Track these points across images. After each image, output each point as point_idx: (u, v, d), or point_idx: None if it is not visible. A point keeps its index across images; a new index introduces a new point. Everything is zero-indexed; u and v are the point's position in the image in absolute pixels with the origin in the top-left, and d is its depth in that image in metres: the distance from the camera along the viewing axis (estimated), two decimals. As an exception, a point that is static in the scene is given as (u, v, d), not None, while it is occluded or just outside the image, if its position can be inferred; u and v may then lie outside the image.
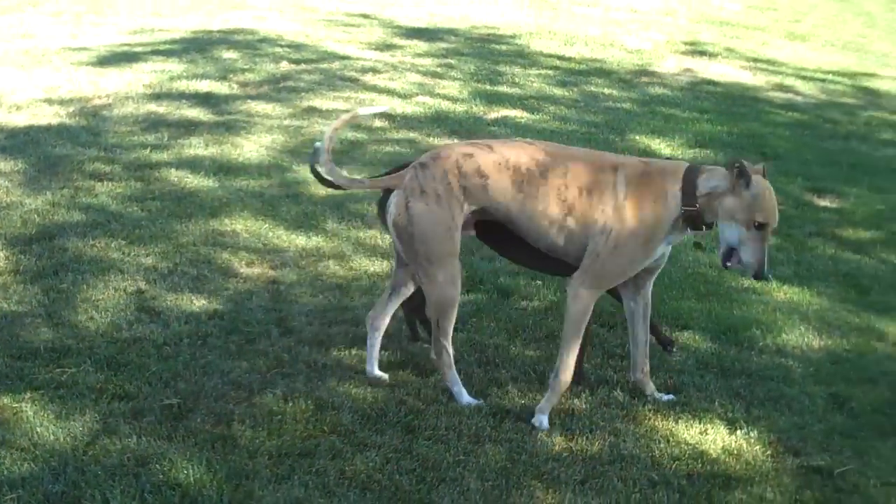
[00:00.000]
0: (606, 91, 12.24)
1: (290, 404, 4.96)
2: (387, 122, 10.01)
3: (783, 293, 6.78)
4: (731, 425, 5.11)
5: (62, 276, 6.25)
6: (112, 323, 5.72)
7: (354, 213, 7.60)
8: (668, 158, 5.45)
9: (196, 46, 12.78)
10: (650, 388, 5.40)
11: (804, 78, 14.06)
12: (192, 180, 8.03)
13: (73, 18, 14.45)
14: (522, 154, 5.10)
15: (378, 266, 6.71)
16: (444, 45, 13.99)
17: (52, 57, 11.95)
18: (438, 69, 12.53)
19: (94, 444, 4.56)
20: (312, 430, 4.78)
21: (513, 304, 6.33)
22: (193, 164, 8.40)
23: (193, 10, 15.39)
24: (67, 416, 4.78)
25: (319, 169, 5.33)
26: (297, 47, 13.09)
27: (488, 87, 11.87)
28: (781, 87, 13.42)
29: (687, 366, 5.70)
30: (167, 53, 12.32)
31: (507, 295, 6.44)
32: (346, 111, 10.09)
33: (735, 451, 4.89)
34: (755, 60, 14.76)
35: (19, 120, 9.48)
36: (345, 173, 5.37)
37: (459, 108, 10.81)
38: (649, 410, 5.19)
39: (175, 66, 11.71)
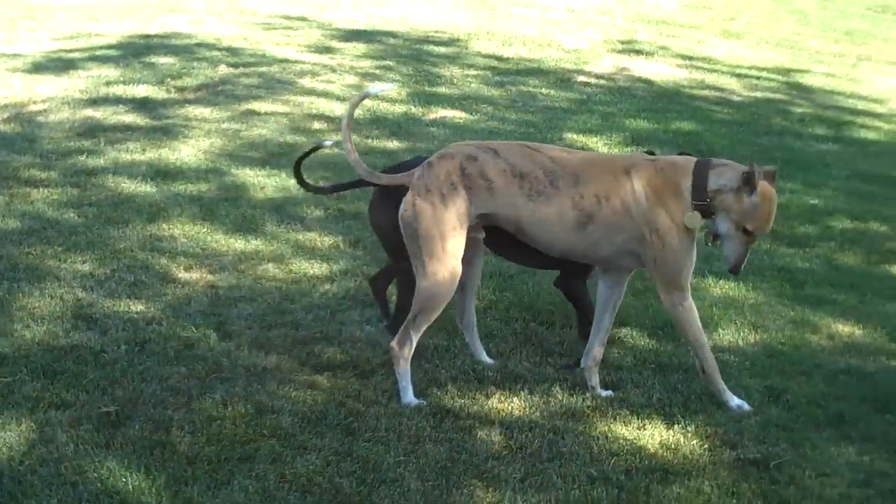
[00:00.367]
0: (544, 91, 12.30)
1: (230, 409, 4.95)
2: (325, 125, 10.00)
3: (719, 289, 6.86)
4: (669, 420, 5.15)
5: (-3, 284, 6.21)
6: (49, 331, 5.67)
7: (294, 215, 7.59)
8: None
9: (133, 51, 12.70)
10: (595, 379, 5.46)
11: (739, 75, 14.21)
12: (130, 186, 7.98)
13: (7, 24, 14.31)
14: (528, 161, 5.15)
15: (318, 269, 6.71)
16: (382, 46, 14.00)
17: (-15, 63, 11.84)
18: (377, 71, 12.53)
19: (30, 453, 4.53)
20: (252, 434, 4.76)
21: (452, 304, 6.34)
22: (130, 170, 8.35)
23: (130, 14, 15.28)
24: (3, 425, 4.73)
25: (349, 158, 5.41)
26: (234, 51, 13.04)
27: (426, 88, 11.90)
28: (717, 85, 13.55)
29: (625, 362, 5.75)
30: (103, 58, 12.24)
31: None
32: (285, 115, 10.16)
33: (673, 446, 4.93)
34: (691, 58, 14.89)
35: (-48, 127, 9.38)
36: (365, 166, 5.44)
37: (398, 109, 10.83)
38: (588, 407, 5.23)
39: (111, 71, 11.64)
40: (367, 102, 10.89)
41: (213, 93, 11.02)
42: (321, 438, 4.78)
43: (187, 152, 8.91)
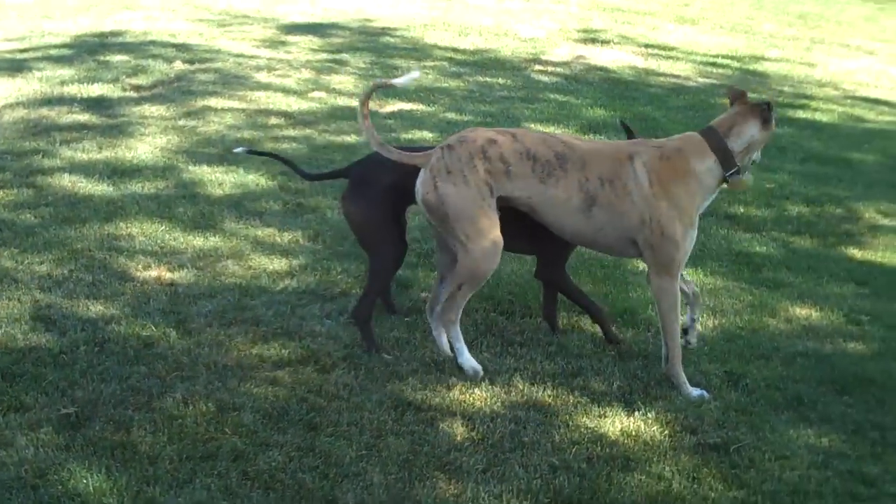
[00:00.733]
0: (501, 81, 12.32)
1: (191, 407, 4.94)
2: (282, 119, 9.97)
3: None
4: (630, 407, 5.19)
5: (-46, 287, 6.16)
6: (6, 333, 5.62)
7: (252, 211, 7.57)
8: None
9: (87, 49, 12.60)
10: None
11: (694, 61, 14.29)
12: (86, 185, 7.92)
13: (-42, 24, 14.18)
14: (542, 145, 5.33)
15: (277, 264, 6.70)
16: (338, 39, 13.97)
17: (-63, 64, 11.72)
18: (333, 64, 12.50)
19: (-10, 457, 4.51)
20: (214, 432, 4.76)
21: (412, 295, 6.37)
22: (86, 169, 8.29)
23: (83, 12, 15.16)
24: (-38, 430, 4.71)
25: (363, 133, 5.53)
26: (189, 47, 12.96)
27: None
28: (672, 72, 13.62)
29: (585, 350, 5.78)
30: (57, 57, 12.14)
31: (406, 286, 6.47)
32: (241, 110, 10.12)
33: (634, 433, 4.97)
34: (646, 45, 14.96)
35: None
36: (379, 138, 5.49)
37: (355, 102, 10.75)
38: (549, 397, 5.26)
39: (65, 70, 11.54)
40: (324, 96, 10.90)
41: (169, 90, 10.96)
42: (283, 434, 4.78)
43: (144, 150, 8.85)
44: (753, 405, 5.31)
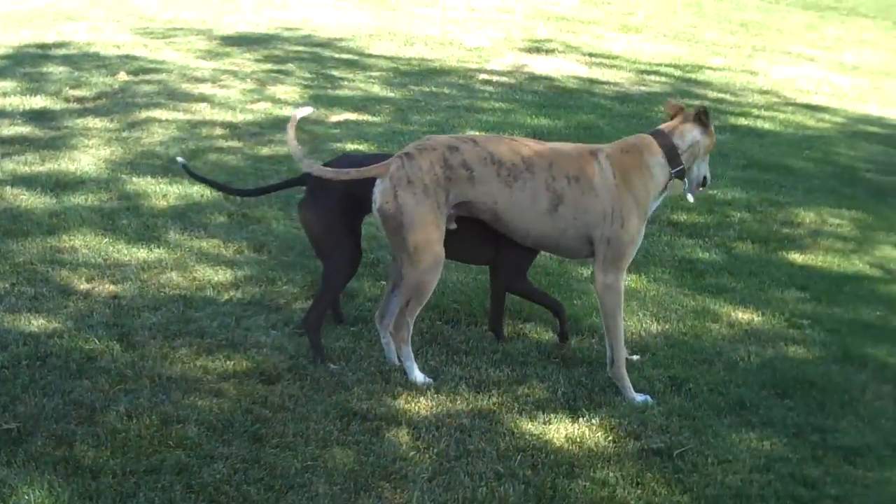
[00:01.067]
0: (446, 90, 12.35)
1: (134, 421, 4.91)
2: (227, 130, 9.94)
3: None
4: (574, 414, 5.23)
5: None
6: (-53, 348, 5.58)
7: (197, 223, 7.54)
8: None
9: (29, 61, 12.49)
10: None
11: (638, 70, 14.40)
12: (28, 198, 7.85)
13: None
14: (506, 149, 5.38)
15: (222, 275, 6.68)
16: (283, 50, 13.93)
17: None
18: (278, 74, 12.47)
19: (-70, 474, 4.45)
20: (158, 445, 4.73)
21: (358, 305, 6.37)
22: (29, 182, 8.22)
23: (25, 23, 15.02)
24: None
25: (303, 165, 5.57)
26: (134, 58, 12.88)
27: (329, 90, 11.88)
28: (616, 80, 13.72)
29: (530, 357, 5.81)
30: (-2, 69, 12.04)
31: (352, 296, 6.47)
32: (185, 122, 10.08)
33: (578, 439, 5.00)
34: (591, 55, 15.05)
35: None
36: (322, 165, 5.59)
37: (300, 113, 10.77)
38: (494, 404, 5.28)
39: (7, 82, 11.43)
40: (269, 106, 10.88)
41: (113, 101, 10.88)
42: (228, 446, 4.76)
43: (87, 162, 8.79)
44: (696, 410, 5.36)
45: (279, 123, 10.27)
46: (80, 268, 6.68)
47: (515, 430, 5.05)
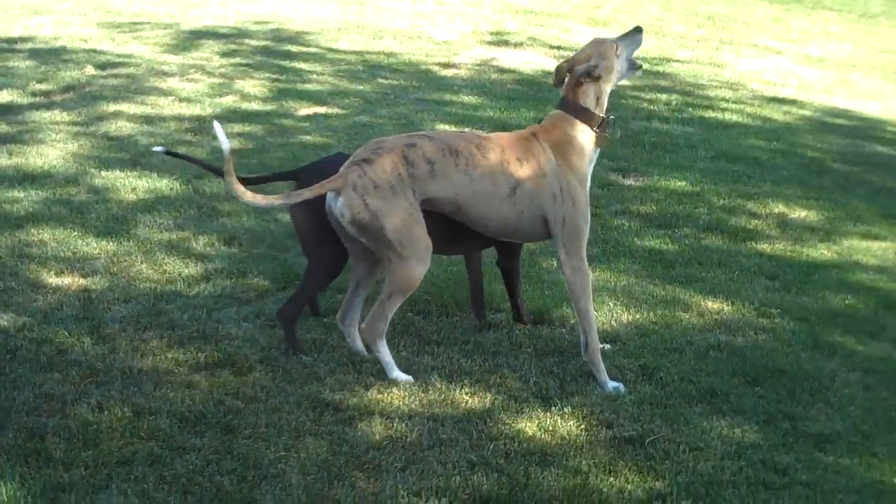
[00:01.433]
0: (415, 83, 12.33)
1: (106, 413, 4.89)
2: (195, 124, 9.90)
3: (592, 272, 6.94)
4: (546, 403, 5.24)
5: None
6: (-85, 343, 5.54)
7: (166, 216, 7.52)
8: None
9: (-6, 55, 12.43)
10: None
11: (607, 62, 14.39)
12: (-5, 192, 7.82)
13: None
14: (459, 139, 5.42)
15: (193, 268, 6.66)
16: (251, 44, 13.88)
17: None
18: (246, 69, 12.43)
19: None
20: (129, 437, 4.72)
21: (329, 297, 6.36)
22: (-4, 176, 8.18)
23: (-10, 17, 14.94)
24: None
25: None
26: (100, 52, 12.82)
27: (298, 84, 11.86)
28: (585, 72, 13.71)
29: (501, 347, 5.82)
30: (-37, 63, 11.95)
31: (328, 289, 6.45)
32: (154, 115, 10.04)
33: (550, 428, 5.01)
34: (559, 48, 15.05)
35: None
36: (266, 197, 5.42)
37: (269, 107, 10.78)
38: (467, 394, 5.28)
39: (-28, 76, 11.37)
40: (237, 101, 10.85)
41: (80, 95, 10.84)
42: (200, 438, 4.75)
43: (54, 156, 8.75)
44: (667, 398, 5.38)
45: (247, 117, 10.27)
46: (49, 261, 6.65)
47: (488, 420, 5.05)
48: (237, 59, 12.88)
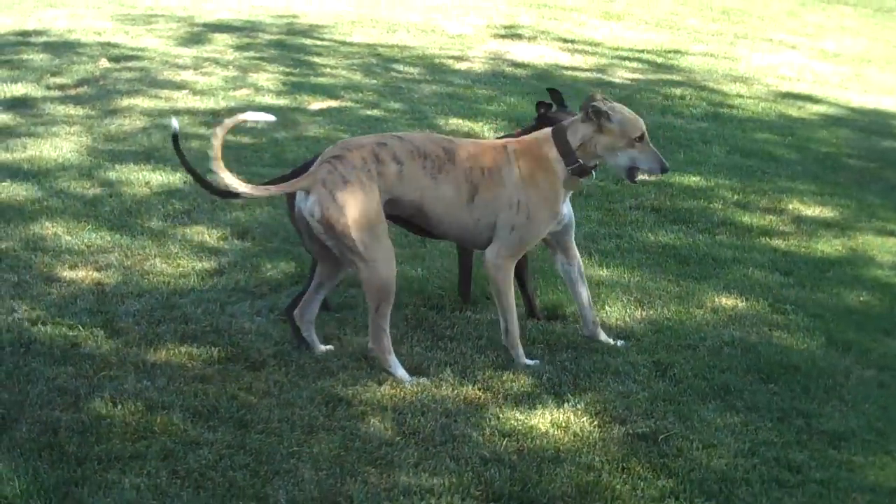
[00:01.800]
0: (429, 76, 12.32)
1: (119, 407, 4.90)
2: (208, 117, 9.90)
3: (606, 268, 6.95)
4: (559, 399, 5.23)
5: None
6: (-71, 335, 5.55)
7: (180, 209, 7.53)
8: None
9: (10, 48, 12.44)
10: (602, 335, 5.89)
11: (620, 57, 14.38)
12: (10, 185, 7.83)
13: None
14: (429, 142, 5.43)
15: (206, 262, 6.66)
16: (265, 37, 13.88)
17: None
18: (259, 62, 12.43)
19: (-86, 461, 4.43)
20: (143, 431, 4.72)
21: (341, 292, 6.36)
22: (11, 169, 8.20)
23: (5, 10, 14.93)
24: None
25: (215, 178, 5.31)
26: (114, 45, 12.83)
27: (311, 77, 11.85)
28: (598, 67, 13.70)
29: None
30: (-22, 56, 11.98)
31: (337, 284, 6.45)
32: (167, 108, 10.04)
33: (563, 424, 5.00)
34: (573, 41, 15.02)
35: None
36: (243, 184, 5.32)
37: (282, 100, 10.77)
38: (479, 390, 5.28)
39: (-13, 69, 11.40)
40: (251, 94, 10.84)
41: (94, 88, 10.85)
42: (213, 432, 4.75)
43: (68, 149, 8.77)
44: (681, 395, 5.37)
45: (263, 110, 10.21)
46: (63, 255, 6.66)
47: (500, 416, 5.05)
48: (251, 53, 12.88)
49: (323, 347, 5.62)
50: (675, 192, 8.63)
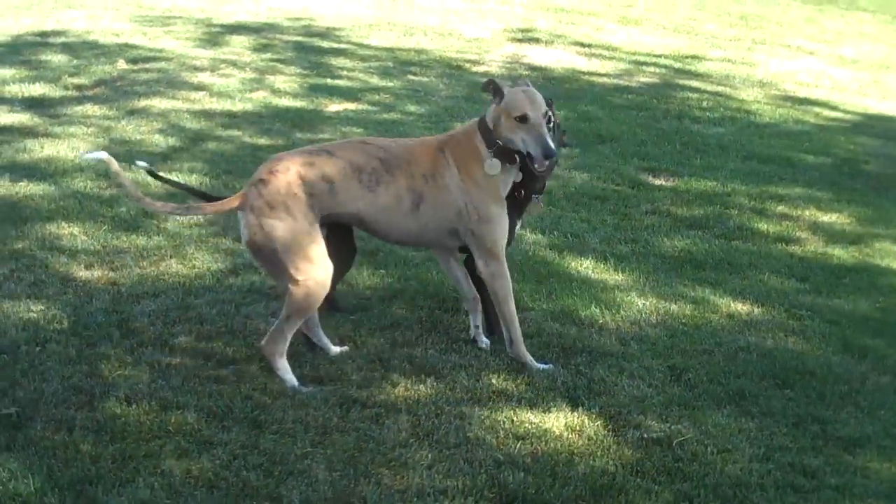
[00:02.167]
0: (446, 80, 12.33)
1: (134, 406, 4.90)
2: (225, 119, 9.93)
3: (621, 272, 6.94)
4: (574, 402, 5.22)
5: None
6: (-54, 334, 5.57)
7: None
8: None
9: (29, 48, 12.49)
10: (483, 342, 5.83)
11: (638, 62, 14.37)
12: (27, 185, 7.85)
13: None
14: (361, 154, 5.31)
15: (221, 263, 6.67)
16: (283, 39, 13.92)
17: None
18: (277, 64, 12.47)
19: (-71, 458, 4.45)
20: (157, 431, 4.72)
21: (357, 293, 6.36)
22: (28, 169, 8.22)
23: (25, 11, 15.02)
24: None
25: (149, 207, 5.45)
26: (133, 46, 12.88)
27: (329, 80, 11.87)
28: (615, 72, 13.70)
29: (529, 346, 5.78)
30: (-3, 57, 12.03)
31: (350, 285, 6.45)
32: (184, 110, 10.07)
33: (577, 428, 4.99)
34: (590, 46, 15.03)
35: None
36: (166, 204, 5.49)
37: (300, 102, 10.79)
38: (494, 392, 5.27)
39: (6, 69, 11.44)
40: (268, 96, 10.87)
41: (111, 89, 10.89)
42: (227, 433, 4.75)
43: (85, 149, 8.78)
44: (696, 399, 5.35)
45: (278, 113, 10.28)
46: (79, 254, 6.68)
47: (515, 419, 5.04)
48: (268, 55, 12.91)
49: (337, 349, 5.62)
50: (692, 198, 8.61)
